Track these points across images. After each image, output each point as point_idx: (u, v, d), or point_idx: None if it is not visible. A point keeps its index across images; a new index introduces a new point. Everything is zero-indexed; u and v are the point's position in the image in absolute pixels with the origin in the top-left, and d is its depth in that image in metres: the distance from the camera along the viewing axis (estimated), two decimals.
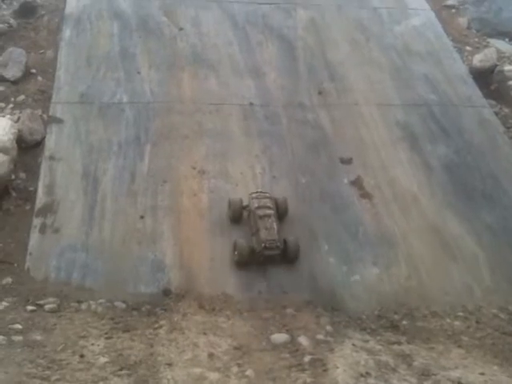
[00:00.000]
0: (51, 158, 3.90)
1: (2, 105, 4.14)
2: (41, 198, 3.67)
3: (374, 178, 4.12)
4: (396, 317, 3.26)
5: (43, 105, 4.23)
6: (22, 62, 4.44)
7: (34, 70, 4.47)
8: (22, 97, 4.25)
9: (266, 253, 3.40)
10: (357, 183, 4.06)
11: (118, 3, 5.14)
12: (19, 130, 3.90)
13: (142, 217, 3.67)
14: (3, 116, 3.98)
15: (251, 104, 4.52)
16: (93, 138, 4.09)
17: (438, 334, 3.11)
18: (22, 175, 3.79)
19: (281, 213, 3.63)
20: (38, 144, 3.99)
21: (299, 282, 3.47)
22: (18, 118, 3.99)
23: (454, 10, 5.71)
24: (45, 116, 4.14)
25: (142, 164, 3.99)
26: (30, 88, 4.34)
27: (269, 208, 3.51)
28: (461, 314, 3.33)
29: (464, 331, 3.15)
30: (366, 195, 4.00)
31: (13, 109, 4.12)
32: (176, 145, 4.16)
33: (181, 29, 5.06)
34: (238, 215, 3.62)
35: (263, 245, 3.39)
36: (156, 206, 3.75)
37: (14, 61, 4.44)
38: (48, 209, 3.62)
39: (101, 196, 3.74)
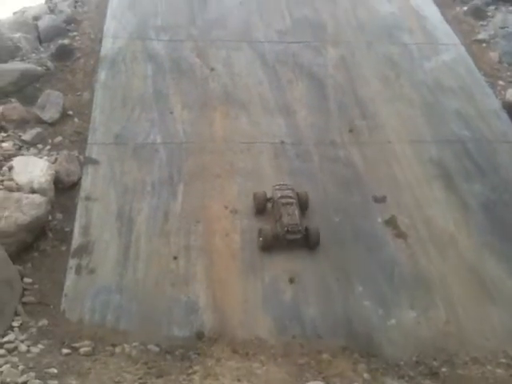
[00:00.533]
0: (87, 198, 3.97)
1: (40, 146, 4.24)
2: (76, 239, 3.72)
3: (408, 216, 4.06)
4: (435, 363, 3.17)
5: (79, 146, 4.32)
6: (59, 104, 4.56)
7: (70, 112, 4.58)
8: (59, 138, 4.35)
9: (289, 237, 3.64)
10: (391, 222, 4.01)
11: (152, 46, 5.26)
12: (56, 172, 3.98)
13: (175, 257, 3.68)
14: (41, 157, 4.07)
15: (282, 142, 4.54)
16: (127, 178, 4.16)
17: (479, 383, 3.00)
18: (59, 216, 3.85)
19: (302, 204, 3.85)
20: (75, 185, 4.06)
21: (334, 326, 3.41)
22: (55, 160, 4.08)
23: (484, 45, 5.67)
24: (81, 157, 4.22)
25: (175, 204, 4.03)
26: (67, 129, 4.44)
27: (291, 197, 3.81)
28: (503, 360, 3.22)
29: (507, 380, 3.03)
30: (400, 235, 3.94)
31: (50, 150, 4.21)
32: (208, 184, 4.18)
33: (212, 69, 5.14)
34: (262, 207, 3.89)
35: (286, 229, 3.61)
36: (189, 246, 3.76)
37: (52, 103, 4.55)
38: (83, 249, 3.66)
39: (135, 236, 3.78)
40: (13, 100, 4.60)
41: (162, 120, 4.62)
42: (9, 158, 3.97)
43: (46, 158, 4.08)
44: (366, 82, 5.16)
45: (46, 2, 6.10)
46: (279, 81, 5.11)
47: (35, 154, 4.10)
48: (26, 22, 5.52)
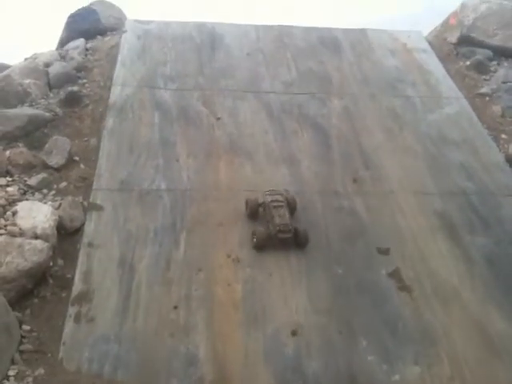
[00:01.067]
0: (89, 244, 3.96)
1: (45, 191, 4.26)
2: (77, 286, 3.68)
3: (412, 269, 4.02)
4: None
5: (84, 192, 4.34)
6: (66, 150, 4.61)
7: (76, 158, 4.63)
8: (64, 183, 4.37)
9: (280, 236, 4.00)
10: (395, 275, 3.97)
11: (160, 94, 5.36)
12: (60, 217, 3.98)
13: (175, 307, 3.63)
14: (45, 203, 4.08)
15: (286, 191, 4.55)
16: (131, 224, 4.15)
17: None
18: (60, 262, 3.83)
19: (291, 207, 4.25)
20: (78, 230, 4.06)
21: (337, 381, 3.32)
22: (59, 205, 4.09)
23: (487, 98, 5.76)
24: (85, 203, 4.23)
25: (177, 251, 4.01)
26: (72, 175, 4.47)
27: (281, 201, 4.18)
28: None
29: None
30: (404, 288, 3.89)
31: (55, 195, 4.23)
32: (211, 232, 4.17)
33: (218, 118, 5.21)
34: (254, 211, 4.25)
35: (278, 228, 3.99)
36: (190, 295, 3.71)
37: (58, 148, 4.60)
38: (84, 297, 3.62)
39: (136, 284, 3.74)
40: (20, 145, 4.66)
41: (167, 167, 4.66)
42: (13, 202, 3.99)
43: (50, 203, 4.09)
44: (369, 133, 5.22)
45: (58, 49, 6.27)
46: (284, 131, 5.17)
47: (40, 199, 4.12)
48: (36, 68, 5.63)
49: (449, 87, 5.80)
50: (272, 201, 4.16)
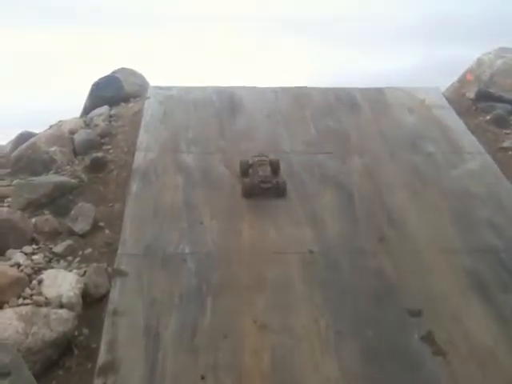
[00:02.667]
0: (114, 312, 3.91)
1: (70, 258, 4.27)
2: (102, 356, 3.61)
3: (446, 331, 3.88)
4: None
5: (109, 257, 4.33)
6: (91, 216, 4.65)
7: (101, 223, 4.66)
8: (89, 250, 4.38)
9: (262, 185, 4.96)
10: (428, 338, 3.83)
11: (183, 158, 5.44)
12: (85, 285, 3.97)
13: (202, 377, 3.52)
14: (70, 270, 4.08)
15: (311, 252, 4.50)
16: (155, 290, 4.11)
17: None
18: (85, 331, 3.78)
19: (274, 167, 5.19)
20: (103, 298, 4.03)
21: None
22: (85, 272, 4.09)
23: (510, 153, 5.72)
24: (110, 269, 4.22)
25: (203, 318, 3.93)
26: (97, 241, 4.49)
27: (265, 161, 5.16)
28: None
29: None
30: (439, 352, 3.74)
31: (80, 262, 4.23)
32: (237, 297, 4.11)
33: (240, 180, 5.24)
34: (245, 171, 5.18)
35: (260, 179, 4.96)
36: (217, 364, 3.61)
37: (84, 215, 4.65)
38: (109, 368, 3.54)
39: (162, 354, 3.65)
40: (46, 212, 4.73)
41: (191, 230, 4.65)
42: (39, 271, 3.99)
43: (75, 270, 4.09)
44: (392, 191, 5.19)
45: (82, 117, 6.46)
46: (306, 190, 5.18)
47: (65, 267, 4.12)
48: (62, 136, 5.79)
49: (470, 142, 5.79)
50: (258, 160, 5.13)
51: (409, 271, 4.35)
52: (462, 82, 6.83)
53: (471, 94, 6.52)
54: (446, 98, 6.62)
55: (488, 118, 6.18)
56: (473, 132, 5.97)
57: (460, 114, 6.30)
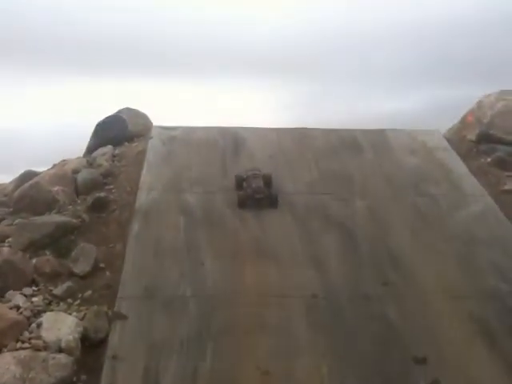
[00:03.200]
0: (114, 357, 3.82)
1: (70, 301, 4.21)
2: None
3: (452, 380, 3.79)
4: None
5: (109, 300, 4.27)
6: (92, 257, 4.61)
7: (102, 265, 4.62)
8: (89, 292, 4.33)
9: (256, 196, 5.36)
10: None
11: (185, 197, 5.44)
12: (84, 328, 3.90)
13: None
14: (70, 313, 4.02)
15: (314, 296, 4.44)
16: (155, 334, 4.03)
17: None
18: (84, 377, 3.68)
19: (266, 179, 5.59)
20: (102, 341, 3.95)
21: None
22: (84, 315, 4.03)
23: None
24: (110, 312, 4.16)
25: (204, 363, 3.84)
26: (98, 283, 4.44)
27: (258, 174, 5.60)
28: None
29: None
30: None
31: (79, 305, 4.17)
32: (238, 342, 4.03)
33: (242, 220, 5.23)
34: (240, 184, 5.58)
35: (253, 190, 5.38)
36: None
37: (85, 256, 4.62)
38: None
39: None
40: (47, 252, 4.69)
41: (192, 272, 4.60)
42: (38, 313, 3.94)
43: (75, 313, 4.02)
44: (395, 233, 5.16)
45: (85, 156, 6.48)
46: (309, 232, 5.15)
47: (65, 310, 4.06)
48: (65, 175, 5.79)
49: (472, 185, 5.80)
50: (252, 174, 5.56)
51: (414, 317, 4.28)
52: (463, 123, 6.88)
53: (472, 136, 6.56)
54: (447, 140, 6.66)
55: (489, 160, 6.21)
56: (475, 174, 5.98)
57: (461, 155, 6.33)
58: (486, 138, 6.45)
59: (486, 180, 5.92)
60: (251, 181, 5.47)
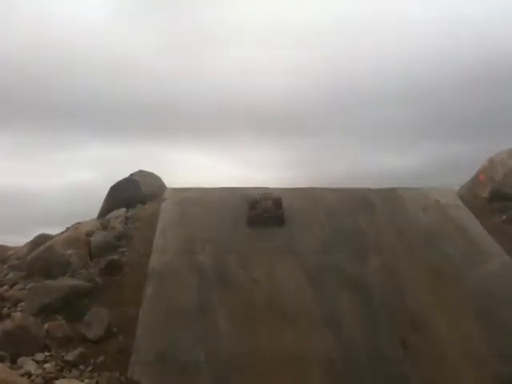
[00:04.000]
0: None
1: (82, 367, 4.13)
2: None
3: None
4: None
5: (122, 365, 4.18)
6: (105, 322, 4.55)
7: (115, 329, 4.54)
8: (102, 358, 4.24)
9: (264, 215, 6.03)
10: None
11: (198, 258, 5.40)
12: None
13: None
14: (82, 380, 3.93)
15: (332, 359, 4.32)
16: None
17: None
18: None
19: (276, 202, 6.18)
20: None
21: None
22: (97, 382, 3.93)
23: None
24: (123, 378, 4.05)
25: None
26: (110, 348, 4.36)
27: (268, 197, 6.21)
28: None
29: None
30: None
31: (92, 371, 4.09)
32: None
33: (256, 281, 5.15)
34: (253, 206, 6.13)
35: (262, 210, 6.02)
36: None
37: (97, 320, 4.56)
38: None
39: None
40: (59, 317, 4.63)
41: (206, 335, 4.51)
42: (50, 380, 3.85)
43: (87, 380, 3.94)
44: (412, 291, 5.06)
45: (99, 218, 6.51)
46: (324, 291, 5.06)
47: (77, 377, 3.97)
48: (78, 238, 5.80)
49: (488, 242, 5.72)
50: (263, 196, 6.24)
51: (435, 380, 4.14)
52: (475, 182, 6.87)
53: (485, 194, 6.53)
54: (460, 198, 6.63)
55: (504, 217, 6.15)
56: (490, 232, 5.90)
57: (475, 213, 6.26)
58: (500, 196, 6.42)
59: (502, 238, 5.82)
60: (261, 202, 6.15)
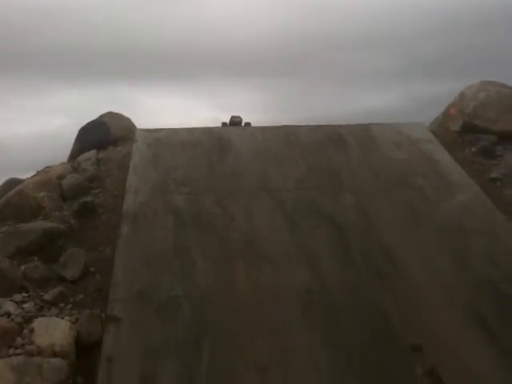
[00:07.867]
0: (109, 359, 3.77)
1: (61, 305, 4.15)
2: None
3: (448, 366, 3.80)
4: None
5: (101, 303, 4.22)
6: (81, 262, 4.55)
7: (92, 269, 4.56)
8: (81, 296, 4.27)
9: None
10: (431, 374, 3.75)
11: (173, 199, 5.37)
12: (78, 332, 3.86)
13: None
14: (62, 318, 3.96)
15: (308, 292, 4.42)
16: (149, 337, 3.98)
17: None
18: (80, 379, 3.65)
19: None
20: (96, 344, 3.89)
21: None
22: (77, 319, 3.97)
23: (499, 183, 5.76)
24: (103, 315, 4.10)
25: (200, 364, 3.81)
26: (89, 287, 4.38)
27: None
28: None
29: None
30: None
31: (71, 309, 4.12)
32: (234, 343, 3.99)
33: (232, 219, 5.18)
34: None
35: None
36: None
37: (74, 261, 4.56)
38: None
39: None
40: (35, 259, 4.61)
41: (184, 273, 4.55)
42: (29, 319, 3.86)
43: (67, 317, 3.96)
44: (386, 227, 5.14)
45: (69, 162, 6.40)
46: (300, 228, 5.11)
47: (56, 314, 4.00)
48: (49, 181, 5.71)
49: (459, 175, 5.82)
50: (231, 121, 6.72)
51: (408, 308, 4.28)
52: (446, 116, 6.93)
53: (456, 127, 6.61)
54: (432, 132, 6.69)
55: (474, 149, 6.25)
56: (460, 164, 6.00)
57: (446, 147, 6.34)
58: (470, 129, 6.51)
59: (472, 169, 5.95)
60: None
